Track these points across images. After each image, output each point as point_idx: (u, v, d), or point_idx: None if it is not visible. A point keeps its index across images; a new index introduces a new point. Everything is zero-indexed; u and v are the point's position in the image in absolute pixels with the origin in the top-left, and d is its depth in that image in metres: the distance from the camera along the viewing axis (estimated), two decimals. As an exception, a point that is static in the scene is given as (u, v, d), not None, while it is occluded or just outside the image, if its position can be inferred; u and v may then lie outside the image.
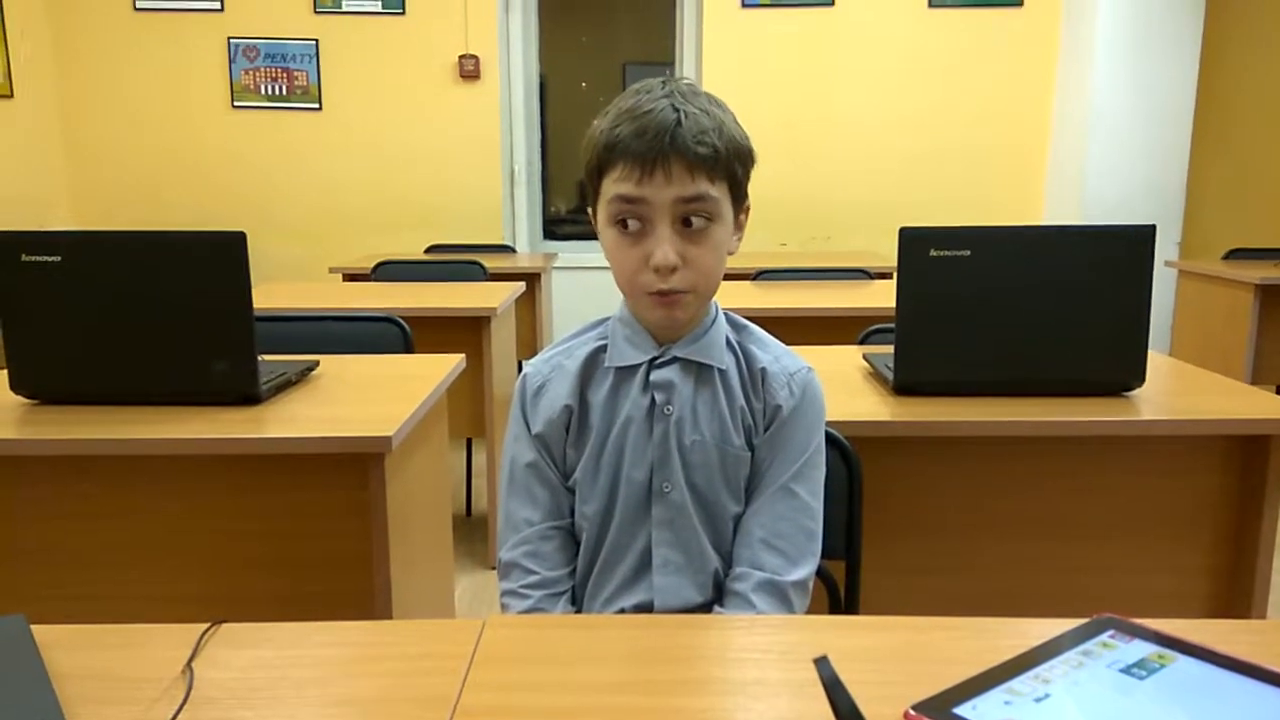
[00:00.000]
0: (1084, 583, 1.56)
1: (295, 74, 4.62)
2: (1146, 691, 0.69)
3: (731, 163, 1.04)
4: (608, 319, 1.15)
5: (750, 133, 1.09)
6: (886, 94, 4.65)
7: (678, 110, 1.01)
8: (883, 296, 2.60)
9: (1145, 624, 0.79)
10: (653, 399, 1.09)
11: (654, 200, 1.01)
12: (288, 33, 4.60)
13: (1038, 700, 0.67)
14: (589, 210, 1.12)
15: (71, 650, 0.77)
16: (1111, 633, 0.77)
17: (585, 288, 4.65)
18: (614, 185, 1.02)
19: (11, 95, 4.28)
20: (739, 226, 1.11)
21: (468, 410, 2.70)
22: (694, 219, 1.02)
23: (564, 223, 5.18)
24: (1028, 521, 1.55)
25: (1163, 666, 0.72)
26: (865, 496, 1.27)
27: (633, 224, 1.03)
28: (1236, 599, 1.55)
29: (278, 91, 4.63)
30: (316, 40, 4.60)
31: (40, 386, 1.54)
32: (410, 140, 4.66)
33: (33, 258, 1.48)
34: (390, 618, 1.44)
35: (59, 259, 1.49)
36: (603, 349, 1.12)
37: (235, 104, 4.65)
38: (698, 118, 1.01)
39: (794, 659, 0.76)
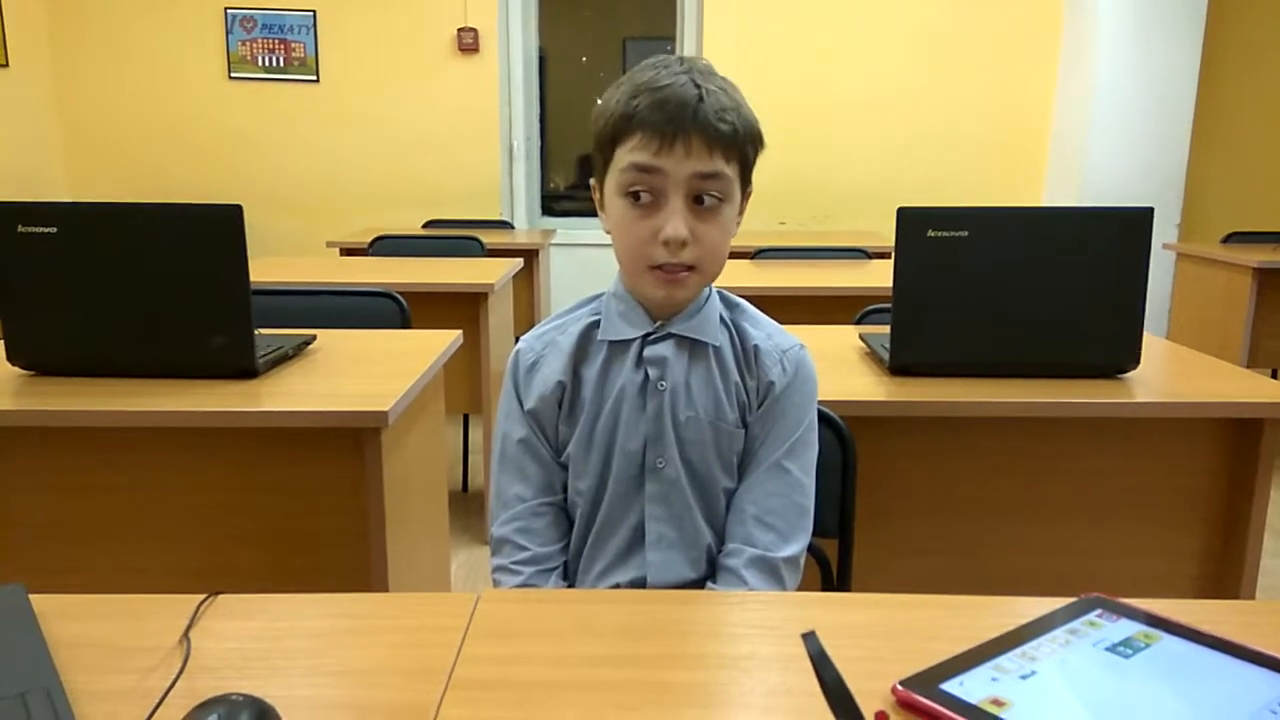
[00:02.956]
0: (1076, 564, 1.58)
1: (292, 45, 4.59)
2: (1132, 670, 0.70)
3: (745, 145, 1.04)
4: (601, 294, 1.15)
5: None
6: (889, 73, 4.63)
7: (699, 86, 1.01)
8: (881, 276, 2.60)
9: (1132, 604, 0.80)
10: (646, 374, 1.09)
11: (670, 172, 1.00)
12: (285, 4, 4.56)
13: (1024, 677, 0.68)
14: (591, 183, 1.11)
15: (69, 620, 0.78)
16: (1099, 612, 0.78)
17: (583, 264, 4.65)
18: (630, 154, 1.01)
19: (7, 64, 4.25)
20: (740, 210, 1.11)
21: (465, 386, 2.71)
22: (706, 197, 1.02)
23: (563, 199, 5.17)
24: (1021, 502, 1.56)
25: (1148, 645, 0.73)
26: (859, 476, 1.28)
27: (644, 195, 1.02)
28: (1226, 581, 1.56)
29: (275, 63, 4.60)
30: (314, 11, 4.56)
31: (36, 358, 1.54)
32: (408, 114, 4.64)
33: (29, 229, 1.48)
34: (386, 592, 1.45)
35: (55, 230, 1.49)
36: (596, 324, 1.12)
37: (232, 75, 4.62)
38: (718, 95, 1.02)
39: (784, 634, 0.77)
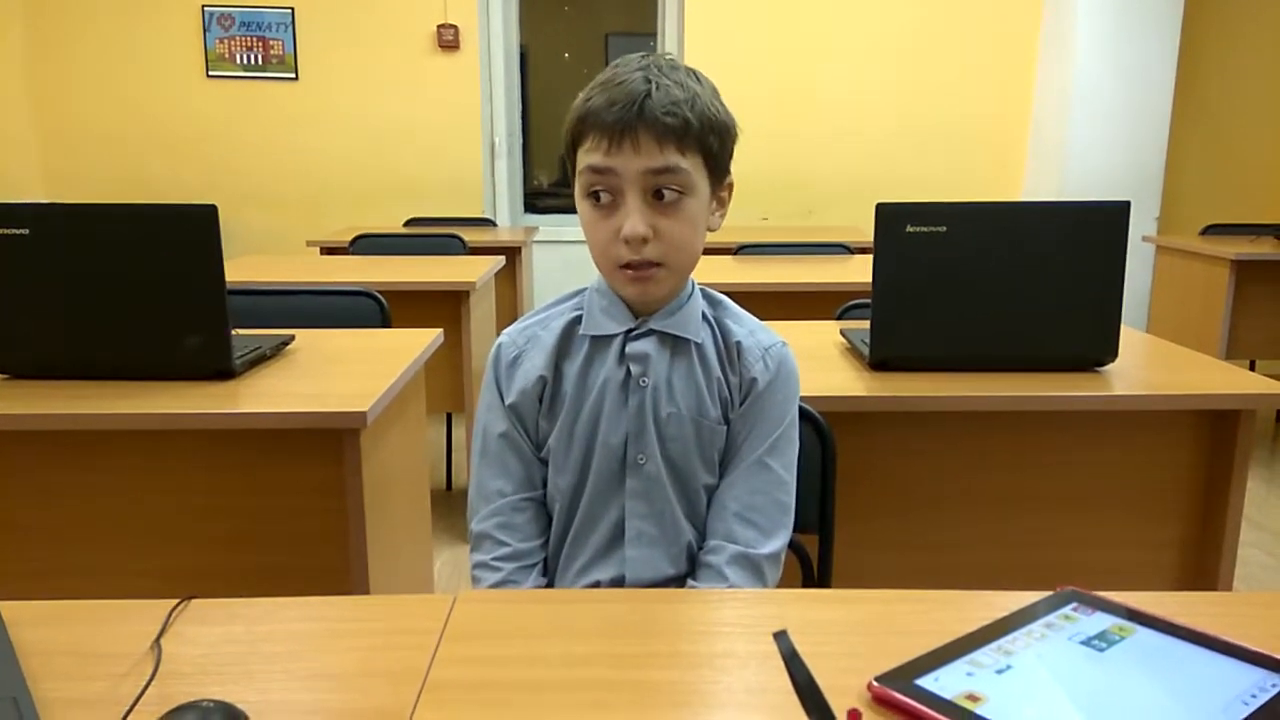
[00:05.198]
0: (1055, 556, 1.58)
1: (271, 43, 4.55)
2: (1107, 663, 0.70)
3: (705, 135, 1.03)
4: (584, 289, 1.15)
5: (732, 105, 1.07)
6: (870, 68, 4.64)
7: (650, 81, 1.00)
8: (862, 271, 2.60)
9: (1108, 597, 0.80)
10: (628, 370, 1.09)
11: (622, 171, 1.00)
12: (263, 0, 4.52)
13: (999, 672, 0.68)
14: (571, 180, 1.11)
15: (38, 626, 0.77)
16: (1074, 605, 0.79)
17: (566, 261, 4.64)
18: (585, 156, 1.02)
19: (-20, 63, 4.20)
20: (720, 203, 1.10)
21: (447, 384, 2.70)
22: (665, 191, 1.01)
23: (545, 196, 5.16)
24: (1000, 496, 1.57)
25: (1123, 638, 0.73)
26: (839, 471, 1.28)
27: (604, 196, 1.02)
28: (1204, 571, 1.58)
29: (253, 61, 4.56)
30: (292, 8, 4.53)
31: (10, 361, 1.53)
32: (388, 111, 4.61)
33: (0, 231, 1.46)
34: (367, 593, 1.45)
35: (26, 232, 1.47)
36: (579, 320, 1.12)
37: (210, 73, 4.58)
38: (670, 89, 1.00)
39: (761, 632, 0.77)
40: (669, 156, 1.00)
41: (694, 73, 1.06)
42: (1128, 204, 1.50)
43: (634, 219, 1.00)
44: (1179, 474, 1.57)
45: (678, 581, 1.10)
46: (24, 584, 1.48)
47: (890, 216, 1.51)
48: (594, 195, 1.03)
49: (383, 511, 1.55)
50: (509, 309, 3.69)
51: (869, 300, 1.56)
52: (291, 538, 1.49)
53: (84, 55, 4.54)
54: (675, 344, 1.10)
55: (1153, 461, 1.56)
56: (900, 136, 4.67)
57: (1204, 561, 1.58)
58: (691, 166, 1.02)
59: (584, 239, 1.08)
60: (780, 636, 0.52)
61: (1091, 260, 1.51)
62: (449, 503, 3.15)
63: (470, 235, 3.55)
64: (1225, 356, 3.38)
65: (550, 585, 1.12)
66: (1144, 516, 1.58)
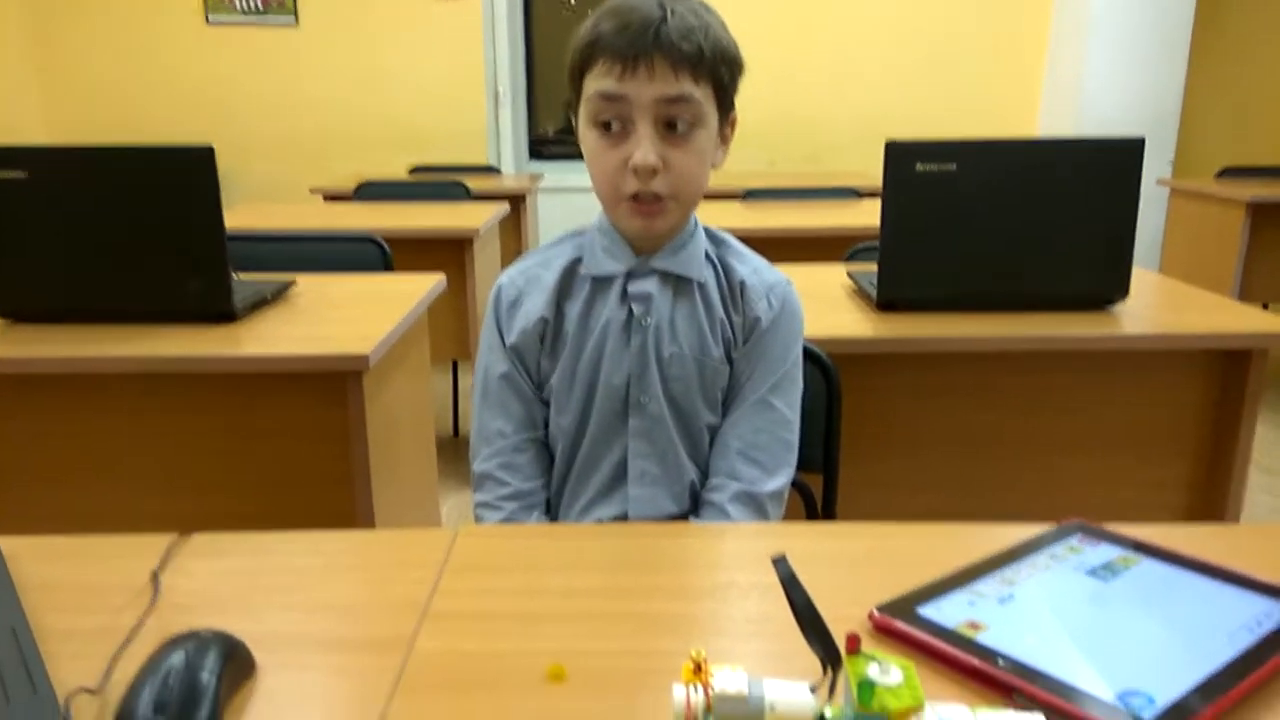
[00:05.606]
0: (1063, 496, 1.58)
1: (270, -13, 4.47)
2: (1111, 592, 0.70)
3: (717, 66, 1.00)
4: (585, 229, 1.13)
5: (740, 47, 1.05)
6: (881, 6, 4.53)
7: (664, 8, 0.98)
8: (871, 215, 2.56)
9: (1113, 529, 0.79)
10: (630, 310, 1.07)
11: (635, 98, 0.97)
12: (261, -56, 4.44)
13: (1002, 601, 0.68)
14: (573, 121, 1.08)
15: (39, 561, 0.77)
16: (1079, 537, 0.78)
17: (571, 209, 4.59)
18: (595, 82, 0.99)
19: (-23, 10, 4.14)
20: (724, 139, 1.08)
21: (452, 332, 2.69)
22: (677, 122, 0.99)
23: (551, 143, 5.09)
24: (1008, 436, 1.56)
25: (1128, 569, 0.73)
26: (845, 412, 1.27)
27: (614, 124, 0.99)
28: (1212, 512, 1.57)
29: (253, 6, 4.49)
30: (291, -48, 4.44)
31: (11, 304, 1.52)
32: (390, 57, 4.54)
33: (-3, 173, 1.45)
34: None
35: (24, 175, 1.45)
36: (580, 260, 1.10)
37: (210, 19, 4.51)
38: (684, 16, 0.98)
39: (764, 564, 0.76)
40: (683, 85, 0.98)
41: (703, 4, 1.03)
42: (1142, 140, 1.47)
43: (645, 147, 0.98)
44: (1189, 414, 1.55)
45: (680, 519, 1.09)
46: (25, 526, 1.49)
47: (899, 154, 1.48)
48: (603, 124, 1.00)
49: (387, 455, 1.55)
50: (513, 257, 3.65)
51: (877, 243, 1.53)
52: (296, 481, 1.49)
53: (85, 1, 4.47)
54: (678, 283, 1.08)
55: (1162, 401, 1.55)
56: (912, 78, 4.58)
57: (1211, 502, 1.57)
58: (703, 97, 1.00)
59: (589, 187, 1.05)
60: (779, 561, 0.51)
61: (1104, 197, 1.48)
62: (455, 449, 3.15)
63: (474, 183, 3.51)
64: (1239, 299, 3.34)
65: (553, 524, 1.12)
66: (1153, 456, 1.57)
